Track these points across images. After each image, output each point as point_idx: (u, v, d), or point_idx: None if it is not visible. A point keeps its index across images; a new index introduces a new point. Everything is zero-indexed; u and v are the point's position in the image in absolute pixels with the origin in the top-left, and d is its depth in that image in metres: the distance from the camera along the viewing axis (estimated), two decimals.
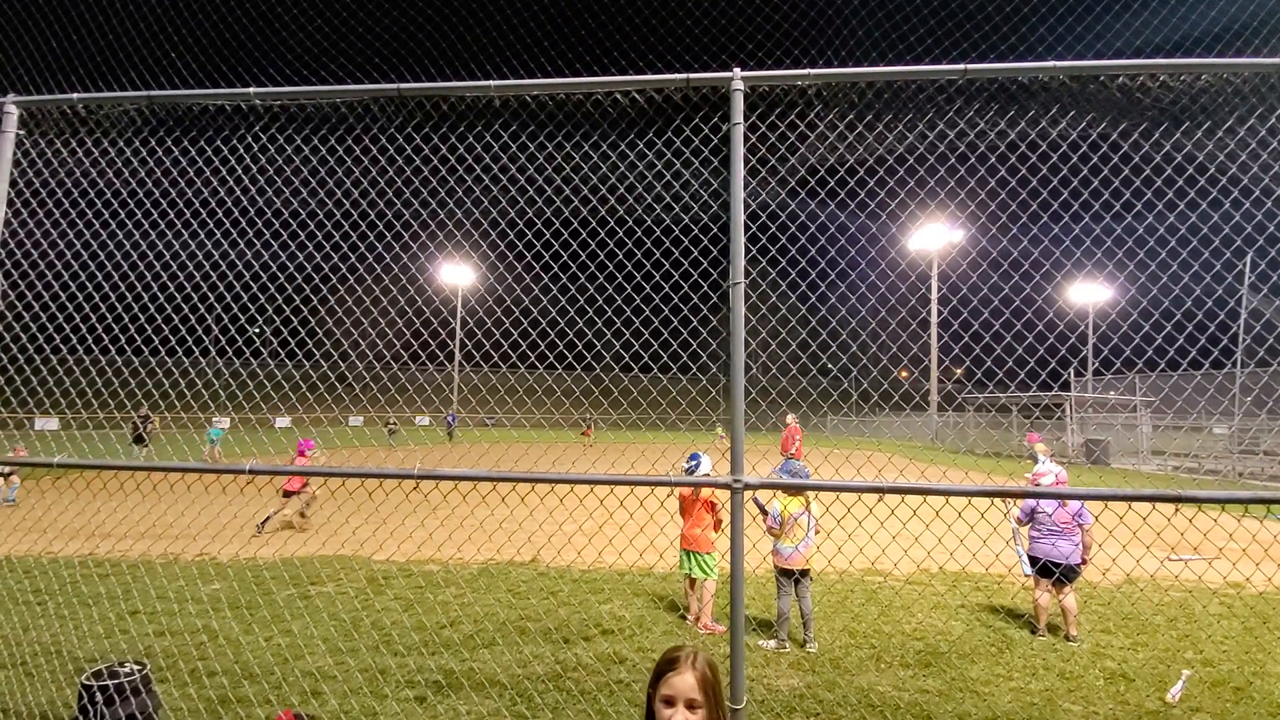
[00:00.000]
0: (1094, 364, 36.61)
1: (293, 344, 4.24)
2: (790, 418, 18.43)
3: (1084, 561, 6.28)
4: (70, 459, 3.63)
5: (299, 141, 4.20)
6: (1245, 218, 3.43)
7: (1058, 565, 6.18)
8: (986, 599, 7.47)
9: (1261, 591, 7.71)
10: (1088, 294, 40.17)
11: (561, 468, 21.29)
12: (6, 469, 12.61)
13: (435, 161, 3.79)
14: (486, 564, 8.66)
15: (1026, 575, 6.44)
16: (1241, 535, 11.16)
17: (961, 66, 3.03)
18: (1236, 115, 3.45)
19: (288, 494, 11.09)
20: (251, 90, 3.81)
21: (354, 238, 4.05)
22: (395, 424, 29.22)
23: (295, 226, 4.29)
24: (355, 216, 4.02)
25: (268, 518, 10.86)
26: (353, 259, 4.10)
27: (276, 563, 8.43)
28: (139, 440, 20.57)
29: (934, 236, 43.79)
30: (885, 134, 3.24)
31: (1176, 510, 2.87)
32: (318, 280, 4.35)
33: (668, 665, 1.83)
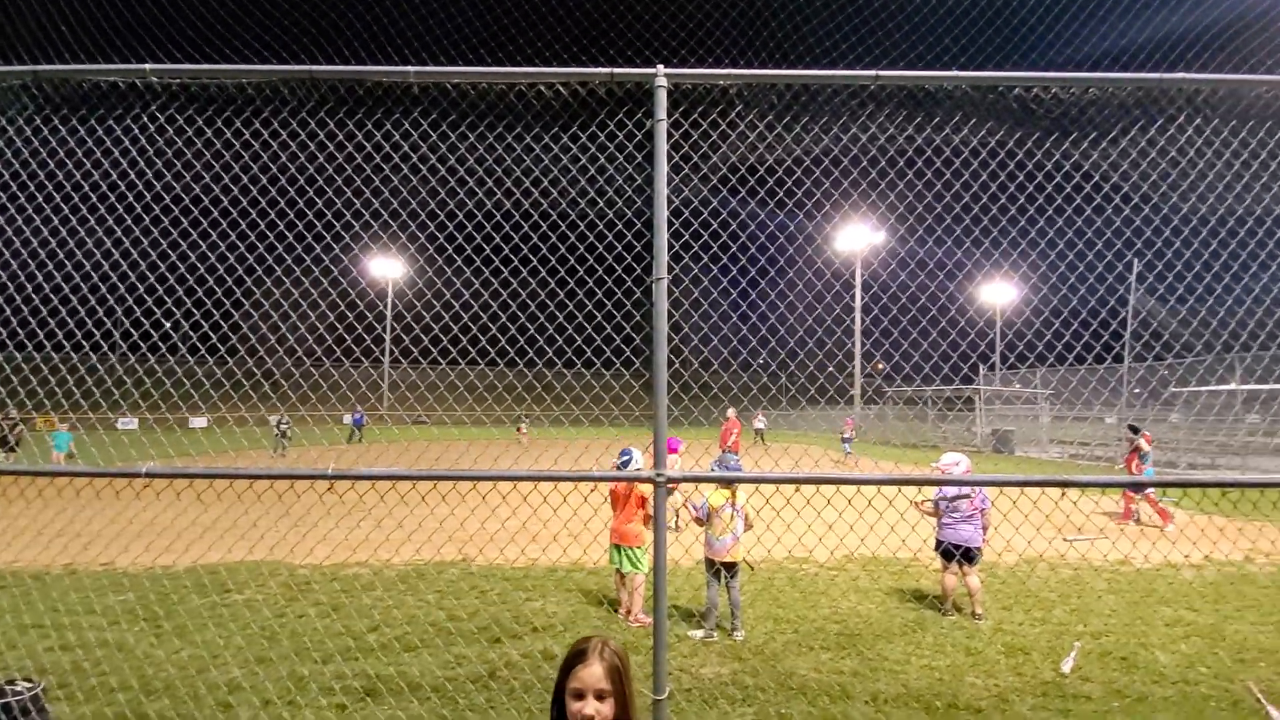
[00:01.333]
0: (992, 360, 39.34)
1: (191, 339, 3.99)
2: (730, 412, 18.73)
3: (985, 542, 6.77)
4: None
5: (200, 123, 3.95)
6: (1126, 223, 3.73)
7: (958, 548, 6.64)
8: (900, 582, 7.87)
9: (1139, 568, 8.44)
10: (995, 293, 43.18)
11: (495, 465, 20.97)
12: None
13: (350, 149, 3.64)
14: (414, 565, 8.42)
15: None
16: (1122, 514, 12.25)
17: (874, 73, 3.16)
18: (1120, 126, 3.75)
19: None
20: (148, 67, 3.56)
21: (261, 226, 3.84)
22: (287, 424, 24.67)
23: (197, 213, 4.02)
24: (264, 204, 3.81)
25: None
26: (261, 249, 3.89)
27: (187, 570, 7.94)
28: (3, 444, 18.70)
29: (857, 237, 45.52)
30: (803, 135, 3.34)
31: (1063, 494, 3.11)
32: (223, 271, 4.10)
33: (576, 657, 1.83)
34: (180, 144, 4.09)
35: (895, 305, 3.41)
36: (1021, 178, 3.38)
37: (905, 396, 37.77)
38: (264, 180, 3.85)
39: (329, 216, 3.70)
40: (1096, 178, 3.47)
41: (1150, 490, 11.76)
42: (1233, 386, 21.40)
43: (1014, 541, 7.37)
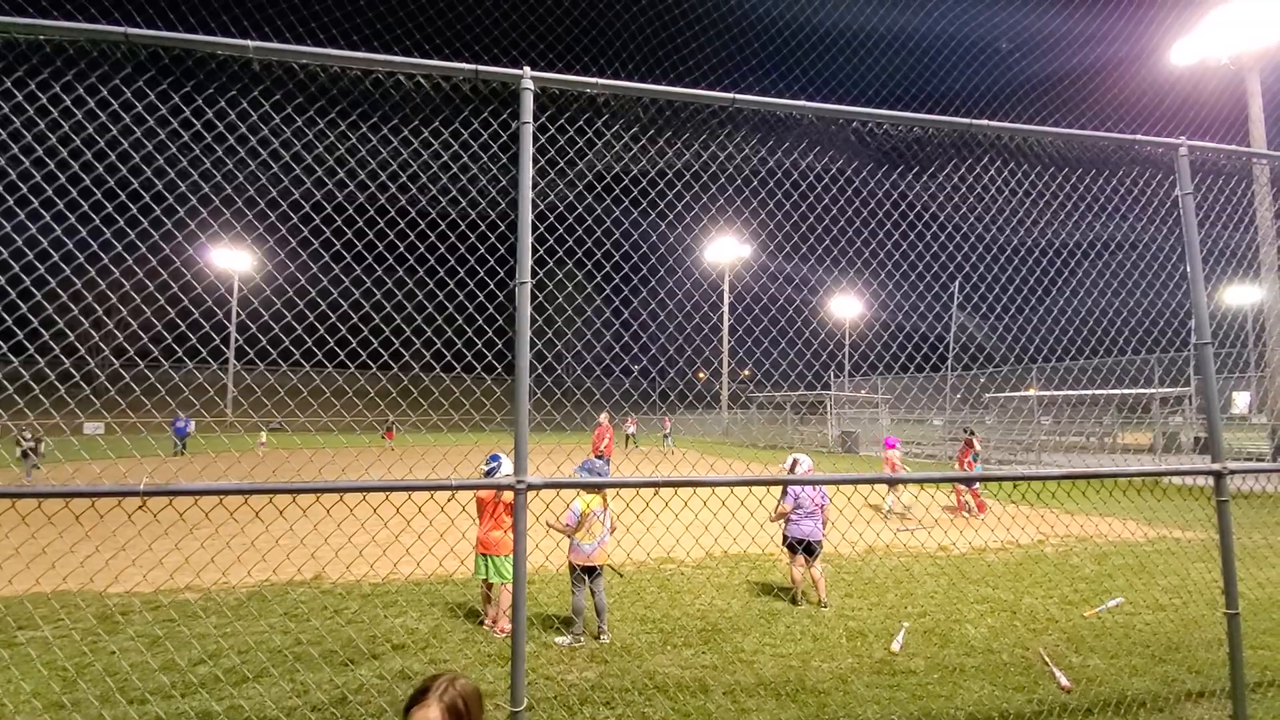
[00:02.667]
0: (834, 366, 43.28)
1: None
2: (603, 416, 18.75)
3: (824, 536, 7.38)
4: None
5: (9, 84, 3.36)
6: (942, 248, 4.23)
7: (801, 541, 7.18)
8: (756, 576, 8.33)
9: (952, 554, 9.56)
10: (844, 307, 47.43)
11: (342, 476, 19.56)
12: None
13: (175, 124, 3.25)
14: (259, 587, 7.64)
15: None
16: (946, 505, 13.90)
17: (731, 95, 3.34)
18: (938, 163, 4.24)
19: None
20: None
21: (60, 205, 3.32)
22: (34, 440, 18.82)
23: None
24: (63, 180, 3.30)
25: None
26: (59, 231, 3.36)
27: None
28: None
29: (723, 249, 47.85)
30: (666, 148, 3.46)
31: (890, 489, 3.45)
32: (7, 255, 3.50)
33: (416, 698, 1.82)
34: None
35: (749, 316, 3.63)
36: (857, 203, 3.73)
37: (758, 401, 40.40)
38: (64, 153, 3.34)
39: (146, 199, 3.28)
40: (919, 207, 3.92)
41: (975, 484, 13.41)
42: (1030, 393, 24.97)
43: (849, 535, 8.06)
